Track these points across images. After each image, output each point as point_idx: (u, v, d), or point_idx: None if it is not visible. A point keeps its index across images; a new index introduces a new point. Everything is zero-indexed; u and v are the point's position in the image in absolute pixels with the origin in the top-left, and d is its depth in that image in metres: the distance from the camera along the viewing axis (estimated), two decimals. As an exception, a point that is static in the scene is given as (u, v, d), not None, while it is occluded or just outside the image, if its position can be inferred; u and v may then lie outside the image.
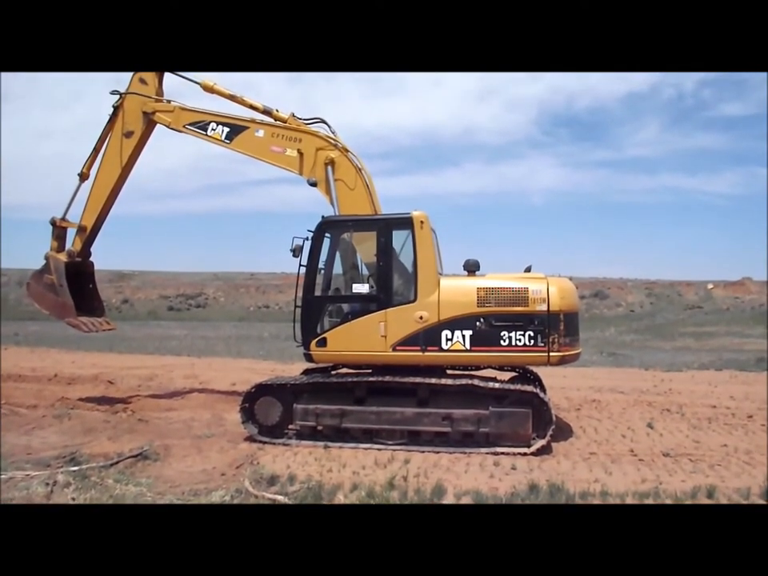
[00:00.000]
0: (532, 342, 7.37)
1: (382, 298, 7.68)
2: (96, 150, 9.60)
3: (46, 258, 9.81)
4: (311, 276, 7.87)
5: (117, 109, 9.40)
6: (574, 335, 7.68)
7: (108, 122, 9.48)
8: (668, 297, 49.55)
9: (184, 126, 9.09)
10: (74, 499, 5.51)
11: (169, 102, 9.34)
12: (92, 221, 9.67)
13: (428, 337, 7.51)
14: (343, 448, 7.54)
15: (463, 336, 7.47)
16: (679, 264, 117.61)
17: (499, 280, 7.64)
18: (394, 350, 7.59)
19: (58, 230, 9.82)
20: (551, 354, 7.39)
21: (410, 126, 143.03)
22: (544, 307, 7.37)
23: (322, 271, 7.98)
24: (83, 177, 9.68)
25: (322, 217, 8.00)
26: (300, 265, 7.84)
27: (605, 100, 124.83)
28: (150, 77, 9.31)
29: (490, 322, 7.44)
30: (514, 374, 9.13)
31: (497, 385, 7.64)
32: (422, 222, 7.67)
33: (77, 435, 8.31)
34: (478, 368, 8.55)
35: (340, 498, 5.70)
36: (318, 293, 7.96)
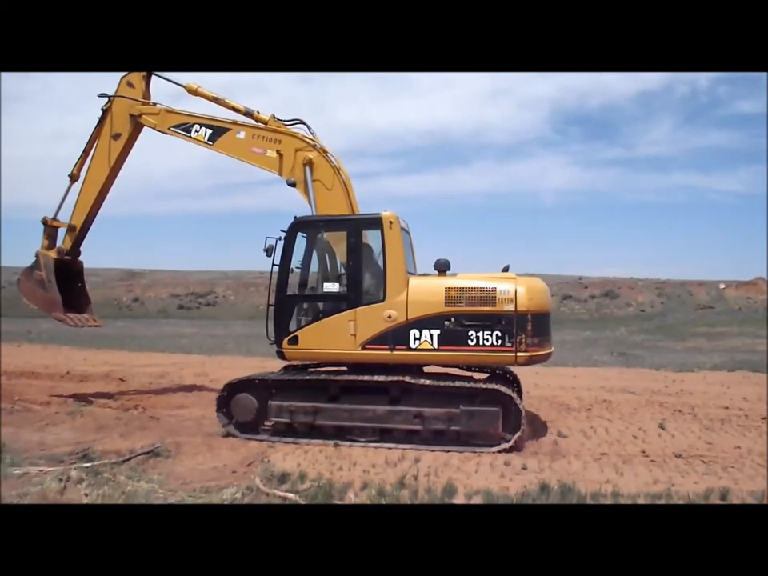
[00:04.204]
0: (499, 341, 7.38)
1: (352, 297, 7.78)
2: (85, 152, 9.88)
3: (37, 255, 10.05)
4: (284, 275, 8.01)
5: (105, 112, 9.64)
6: (543, 335, 7.65)
7: (97, 125, 9.75)
8: (679, 297, 49.23)
9: (169, 129, 9.25)
10: (86, 495, 5.55)
11: (155, 104, 9.49)
12: (81, 220, 9.91)
13: (396, 336, 7.58)
14: (353, 446, 7.55)
15: (431, 335, 7.52)
16: (691, 263, 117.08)
17: (468, 280, 7.70)
18: (364, 348, 7.68)
19: (49, 229, 10.08)
20: (519, 353, 7.38)
21: (420, 125, 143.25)
22: (511, 307, 7.36)
23: (294, 270, 8.07)
24: (73, 178, 10.00)
25: (295, 217, 8.10)
26: (273, 264, 7.96)
27: (617, 98, 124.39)
28: (137, 80, 9.51)
29: (457, 322, 7.49)
30: (497, 373, 9.03)
31: (467, 384, 7.67)
32: (390, 222, 7.76)
33: (89, 432, 8.38)
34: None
35: (350, 497, 5.71)
36: (290, 292, 8.08)
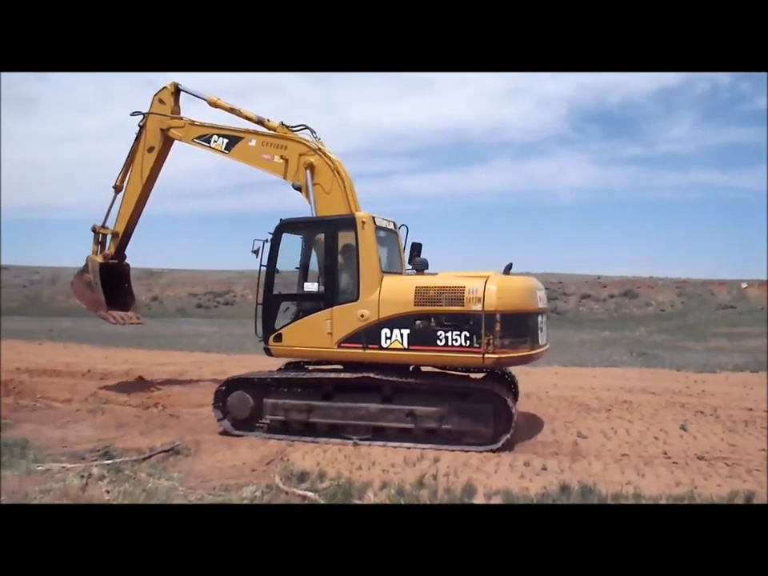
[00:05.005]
0: (468, 342, 7.28)
1: (329, 297, 7.94)
2: (126, 165, 10.65)
3: (87, 259, 10.97)
4: (270, 275, 8.24)
5: (141, 128, 10.40)
6: (517, 337, 7.39)
7: (135, 140, 10.50)
8: (700, 296, 48.46)
9: (192, 140, 9.88)
10: (108, 492, 5.61)
11: (181, 118, 10.12)
12: (123, 227, 10.78)
13: (369, 335, 7.66)
14: (372, 446, 7.56)
15: (401, 335, 7.54)
16: (711, 262, 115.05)
17: (439, 279, 7.73)
18: (339, 346, 7.79)
19: (98, 236, 10.97)
20: (486, 355, 7.22)
21: (436, 124, 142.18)
22: (479, 307, 7.22)
23: (280, 271, 8.28)
24: (117, 189, 10.75)
25: (280, 219, 8.33)
26: (261, 265, 8.19)
27: (637, 95, 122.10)
28: (167, 97, 10.24)
29: (427, 322, 7.48)
30: (492, 373, 8.87)
31: (459, 382, 7.68)
32: (363, 222, 7.88)
33: (110, 429, 8.49)
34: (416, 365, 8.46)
35: (370, 496, 5.71)
36: (275, 291, 8.31)
